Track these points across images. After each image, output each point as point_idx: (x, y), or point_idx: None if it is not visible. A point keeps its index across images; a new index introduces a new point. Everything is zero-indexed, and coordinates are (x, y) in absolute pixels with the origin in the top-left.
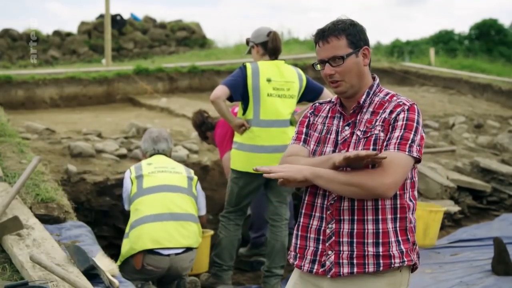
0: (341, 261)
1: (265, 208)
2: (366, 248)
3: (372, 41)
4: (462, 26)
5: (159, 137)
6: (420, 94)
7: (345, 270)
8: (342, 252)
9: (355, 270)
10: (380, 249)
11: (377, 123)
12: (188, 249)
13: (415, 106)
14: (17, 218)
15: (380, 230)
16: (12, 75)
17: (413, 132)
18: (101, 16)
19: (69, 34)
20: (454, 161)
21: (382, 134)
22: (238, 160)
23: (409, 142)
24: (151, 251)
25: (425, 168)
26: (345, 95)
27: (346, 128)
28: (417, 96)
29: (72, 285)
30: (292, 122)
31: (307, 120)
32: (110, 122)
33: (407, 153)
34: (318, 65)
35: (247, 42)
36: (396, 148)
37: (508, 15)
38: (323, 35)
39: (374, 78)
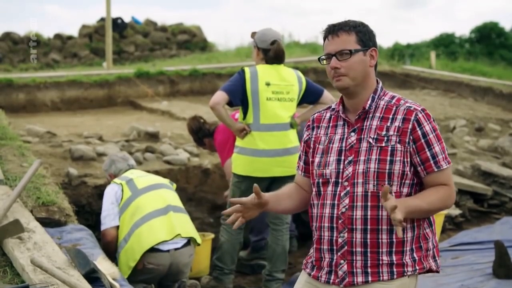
0: (354, 270)
1: (265, 211)
2: (380, 257)
3: None
4: (463, 29)
5: (126, 155)
6: (421, 97)
7: (360, 279)
8: (355, 262)
9: (370, 279)
10: (394, 258)
11: (390, 132)
12: (187, 243)
13: (428, 111)
14: (18, 222)
15: (394, 240)
16: (13, 78)
17: (443, 140)
18: (102, 19)
19: (70, 37)
20: (455, 164)
21: (399, 146)
22: (240, 164)
23: (447, 152)
24: (151, 249)
25: None
26: (347, 91)
27: (352, 134)
28: (418, 99)
29: None
30: (292, 125)
31: (303, 141)
32: (111, 125)
33: (451, 163)
34: (324, 60)
35: (252, 35)
36: (446, 163)
37: (509, 18)
38: (333, 29)
39: (377, 82)
